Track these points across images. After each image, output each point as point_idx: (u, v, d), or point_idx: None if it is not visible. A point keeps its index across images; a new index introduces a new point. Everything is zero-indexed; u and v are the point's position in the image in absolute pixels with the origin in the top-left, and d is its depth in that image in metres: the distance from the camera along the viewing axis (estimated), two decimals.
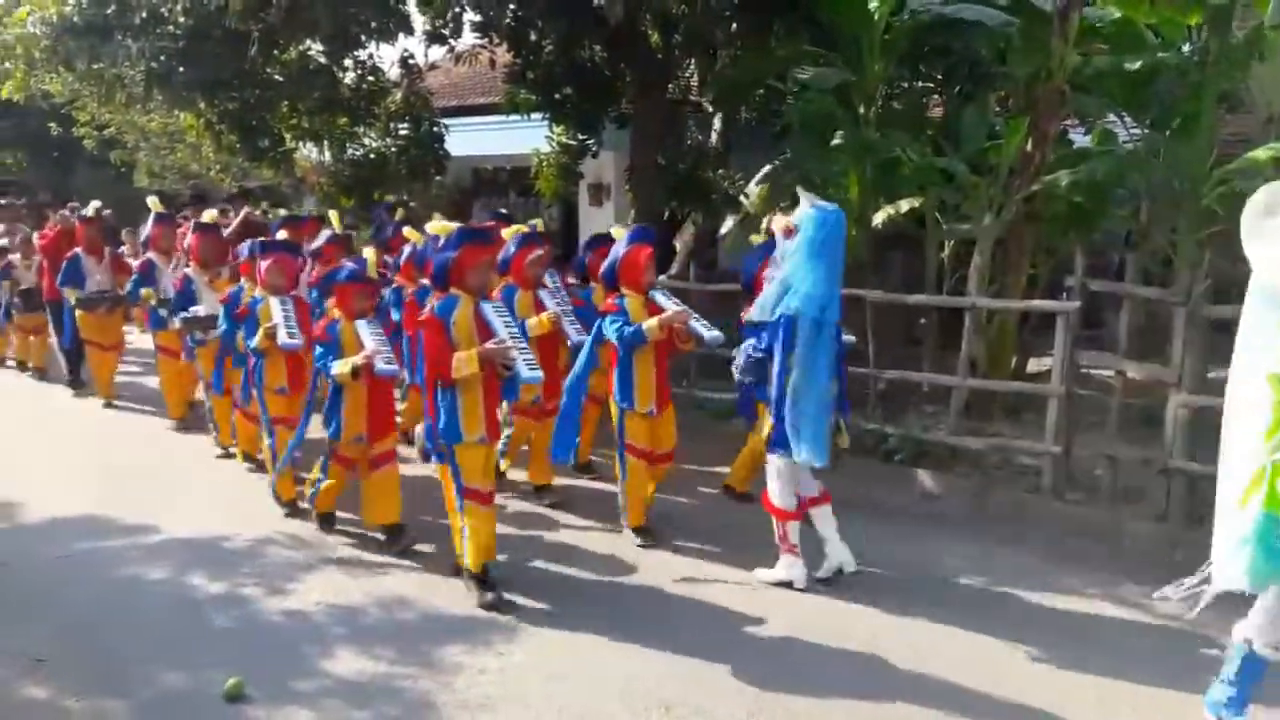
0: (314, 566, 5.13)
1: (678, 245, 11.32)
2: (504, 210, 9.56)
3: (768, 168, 9.39)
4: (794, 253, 4.59)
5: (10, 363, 11.43)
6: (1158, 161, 7.52)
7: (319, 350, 5.31)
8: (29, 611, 4.56)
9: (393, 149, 11.20)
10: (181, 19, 9.28)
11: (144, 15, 9.22)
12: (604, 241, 6.27)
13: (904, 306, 7.36)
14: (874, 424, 6.81)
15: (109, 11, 9.29)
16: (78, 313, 9.05)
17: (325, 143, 11.39)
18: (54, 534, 5.65)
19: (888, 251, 9.24)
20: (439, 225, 5.73)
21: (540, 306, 6.06)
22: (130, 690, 3.82)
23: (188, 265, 7.59)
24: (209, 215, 8.10)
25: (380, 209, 10.42)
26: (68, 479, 6.66)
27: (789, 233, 4.69)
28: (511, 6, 9.36)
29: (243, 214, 11.11)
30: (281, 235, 6.96)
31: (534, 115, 10.77)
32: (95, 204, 9.76)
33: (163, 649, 4.17)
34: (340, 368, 5.09)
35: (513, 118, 11.41)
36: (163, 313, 7.85)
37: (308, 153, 12.49)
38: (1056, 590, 4.81)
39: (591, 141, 10.80)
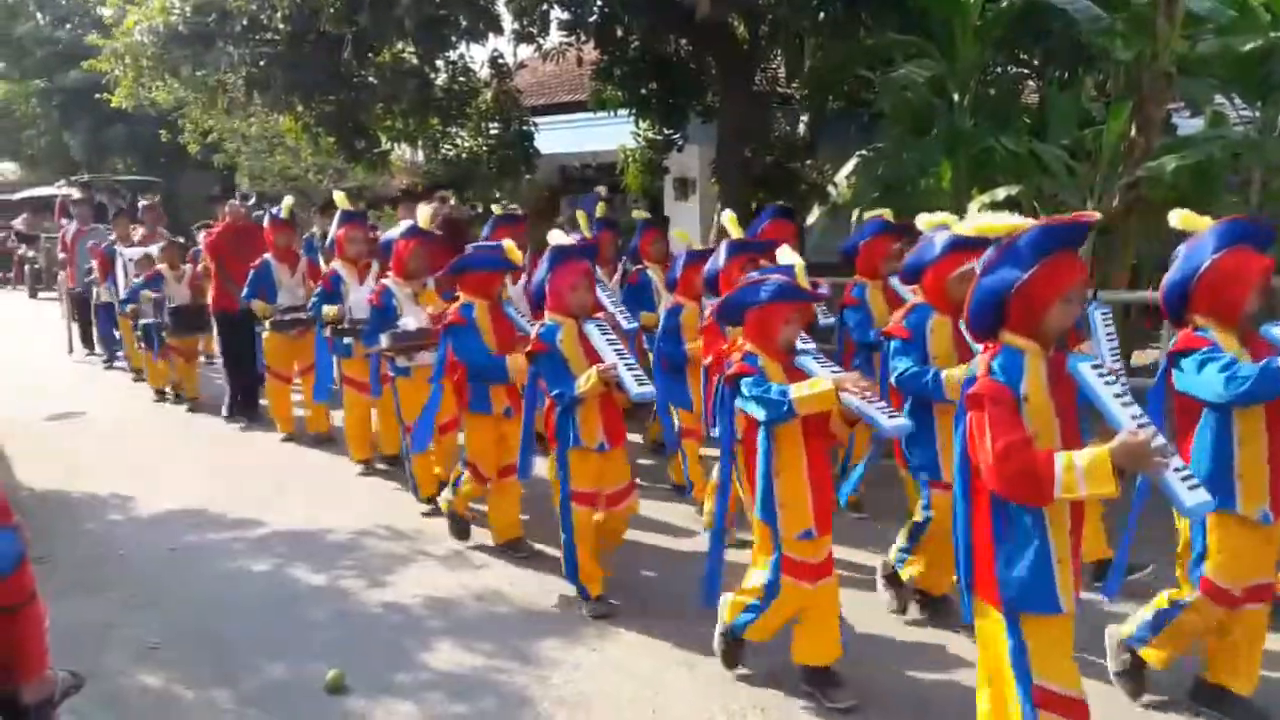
0: (411, 559, 5.24)
1: None
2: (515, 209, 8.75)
3: (856, 158, 9.26)
4: None
5: (170, 393, 9.56)
6: (1276, 142, 7.19)
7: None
8: (142, 600, 4.75)
9: (484, 148, 11.36)
10: (280, 25, 9.55)
11: (244, 22, 9.53)
12: (700, 259, 5.45)
13: None
14: None
15: (211, 19, 9.61)
16: (265, 333, 7.70)
17: (419, 143, 11.62)
18: (165, 527, 5.89)
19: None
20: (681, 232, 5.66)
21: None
22: (237, 680, 3.94)
23: (385, 275, 6.15)
24: (423, 215, 6.16)
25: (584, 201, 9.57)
26: (181, 475, 6.92)
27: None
28: (598, 3, 9.40)
29: (436, 210, 10.19)
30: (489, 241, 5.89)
31: (620, 111, 10.81)
32: (288, 200, 8.02)
33: (267, 640, 4.31)
34: (584, 384, 4.27)
35: (599, 114, 11.49)
36: (346, 339, 6.52)
37: (402, 153, 12.75)
38: None
39: (677, 136, 10.81)
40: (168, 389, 9.50)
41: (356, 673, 3.92)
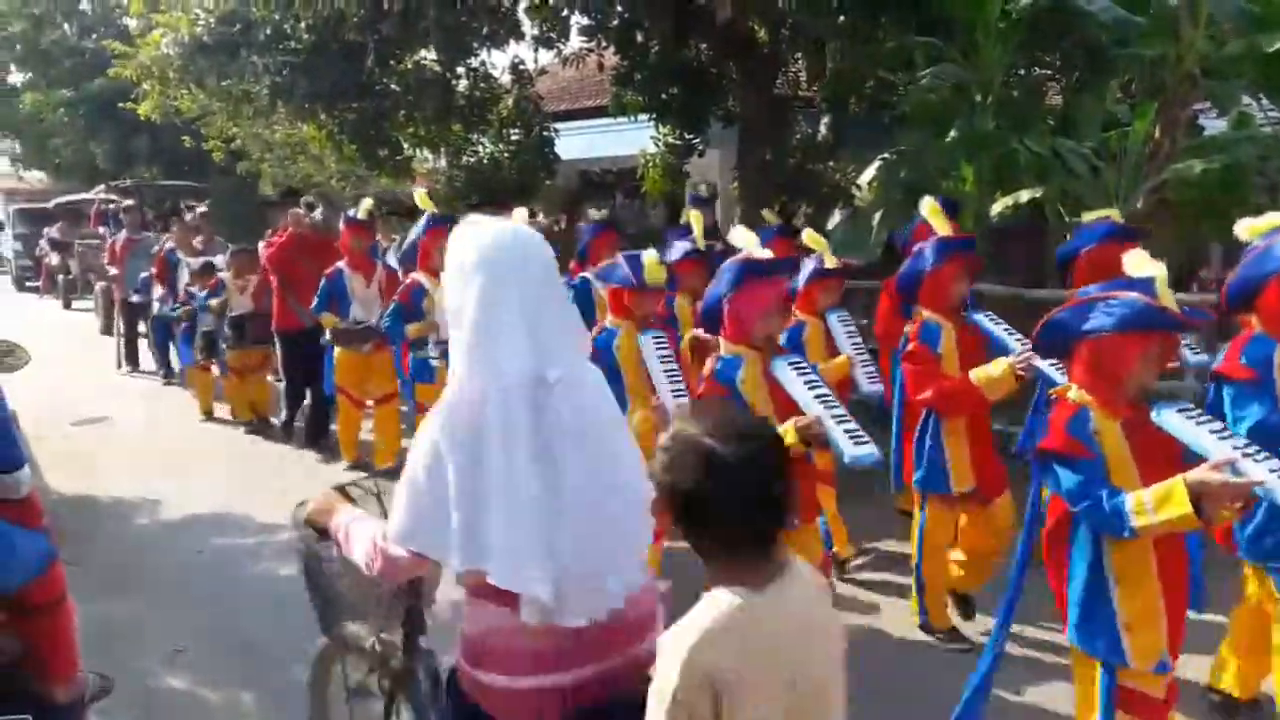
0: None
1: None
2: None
3: (878, 160, 9.24)
4: None
5: (226, 415, 8.74)
6: None
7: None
8: (170, 602, 4.79)
9: (505, 154, 11.42)
10: (304, 34, 9.64)
11: (268, 32, 9.63)
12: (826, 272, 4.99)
13: (1024, 301, 7.13)
14: (999, 425, 6.62)
15: (235, 30, 9.72)
16: (335, 351, 6.89)
17: (441, 150, 11.69)
18: (192, 530, 5.95)
19: (1007, 245, 8.98)
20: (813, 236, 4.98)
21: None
22: (263, 681, 3.97)
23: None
24: (519, 217, 5.43)
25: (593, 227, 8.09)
26: (207, 479, 6.98)
27: None
28: (619, 8, 9.44)
29: (298, 217, 8.91)
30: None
31: (640, 116, 10.83)
32: (367, 203, 7.18)
33: (293, 642, 4.32)
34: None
35: (620, 120, 11.51)
36: (434, 359, 5.93)
37: (424, 159, 12.83)
38: None
39: (698, 140, 10.81)
40: (230, 414, 8.60)
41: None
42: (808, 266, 5.01)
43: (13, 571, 2.54)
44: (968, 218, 7.77)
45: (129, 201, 12.37)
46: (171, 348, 10.18)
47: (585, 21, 9.88)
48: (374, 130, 10.93)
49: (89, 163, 26.81)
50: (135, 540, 5.77)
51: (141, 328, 11.38)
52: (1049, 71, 9.32)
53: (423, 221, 6.14)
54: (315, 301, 6.84)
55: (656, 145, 11.64)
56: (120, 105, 15.38)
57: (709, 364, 3.58)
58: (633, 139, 12.17)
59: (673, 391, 4.00)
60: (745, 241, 3.98)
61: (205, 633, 4.45)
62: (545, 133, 11.66)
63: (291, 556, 5.31)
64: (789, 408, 3.39)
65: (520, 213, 6.19)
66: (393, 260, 8.00)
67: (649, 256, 4.24)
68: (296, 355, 7.64)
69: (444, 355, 5.10)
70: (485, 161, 11.74)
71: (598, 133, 13.81)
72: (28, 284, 22.20)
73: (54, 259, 19.56)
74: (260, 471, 7.16)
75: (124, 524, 6.06)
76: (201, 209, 11.23)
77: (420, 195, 6.26)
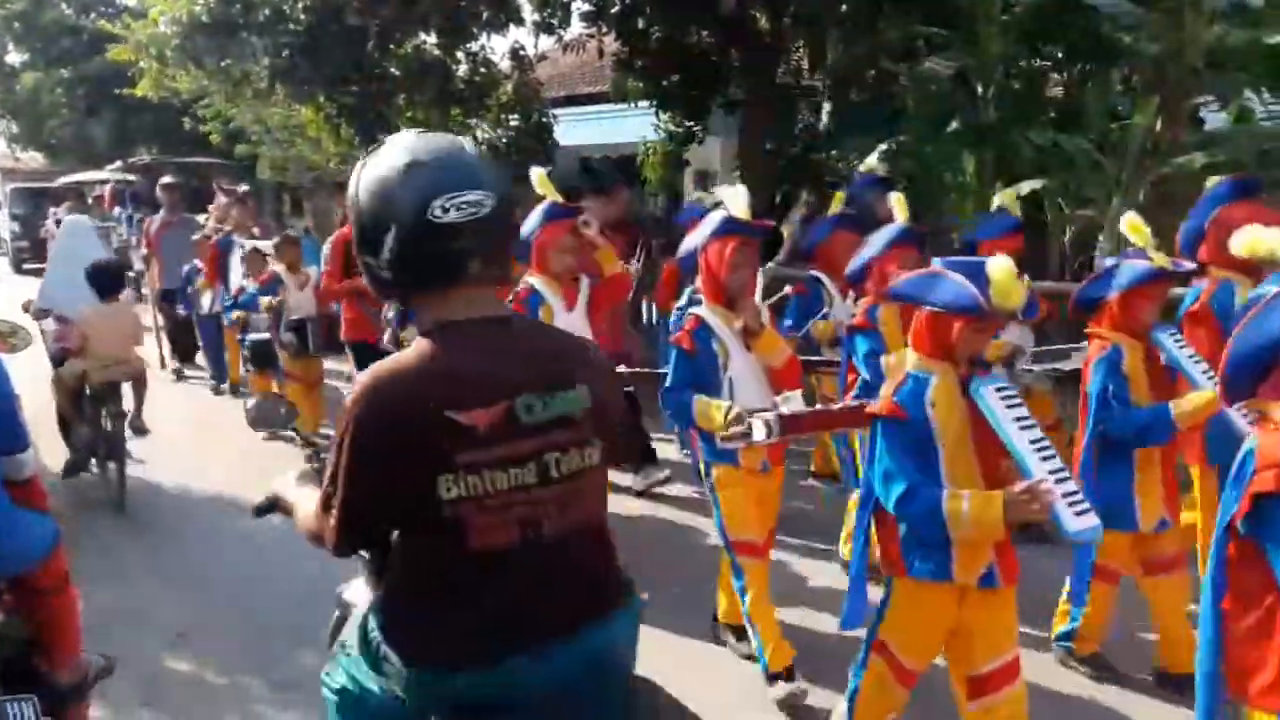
0: None
1: (784, 231, 11.25)
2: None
3: (879, 151, 9.24)
4: None
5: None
6: None
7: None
8: (175, 586, 4.80)
9: (503, 140, 11.40)
10: (302, 16, 9.60)
11: (267, 12, 9.59)
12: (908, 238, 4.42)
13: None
14: None
15: (235, 9, 9.67)
16: None
17: None
18: (198, 513, 5.97)
19: None
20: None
21: None
22: (267, 666, 3.99)
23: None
24: (742, 205, 3.97)
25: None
26: (213, 462, 6.98)
27: None
28: None
29: (227, 206, 8.41)
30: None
31: (641, 103, 10.81)
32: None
33: (299, 627, 4.33)
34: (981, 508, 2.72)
35: (619, 106, 11.50)
36: None
37: None
38: None
39: (698, 128, 10.80)
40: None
41: None
42: (886, 236, 4.49)
43: (17, 554, 2.55)
44: (967, 209, 7.78)
45: (167, 178, 10.41)
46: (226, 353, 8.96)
47: (586, 7, 9.87)
48: (373, 114, 10.90)
49: (87, 143, 26.72)
50: (139, 522, 5.78)
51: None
52: (1051, 64, 9.31)
53: (539, 211, 4.63)
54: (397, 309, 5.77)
55: (657, 132, 11.62)
56: (117, 92, 15.27)
57: (889, 384, 2.93)
58: (633, 126, 12.15)
59: (1053, 474, 2.74)
60: (899, 208, 4.52)
61: (208, 617, 4.45)
62: (544, 119, 11.64)
63: (295, 540, 5.34)
64: (989, 442, 2.82)
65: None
66: None
67: (999, 268, 2.77)
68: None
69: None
70: (483, 147, 11.69)
71: (598, 119, 13.79)
72: (25, 266, 22.00)
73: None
74: (268, 456, 7.15)
75: (128, 506, 6.05)
76: (244, 187, 10.16)
77: (540, 177, 4.70)
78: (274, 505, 2.29)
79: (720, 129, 11.18)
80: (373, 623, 1.91)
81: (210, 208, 9.90)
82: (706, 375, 3.66)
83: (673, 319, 5.65)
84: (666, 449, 6.72)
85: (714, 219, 3.76)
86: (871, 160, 7.14)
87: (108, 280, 6.03)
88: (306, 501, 2.06)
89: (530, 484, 1.76)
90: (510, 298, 4.45)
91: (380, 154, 1.86)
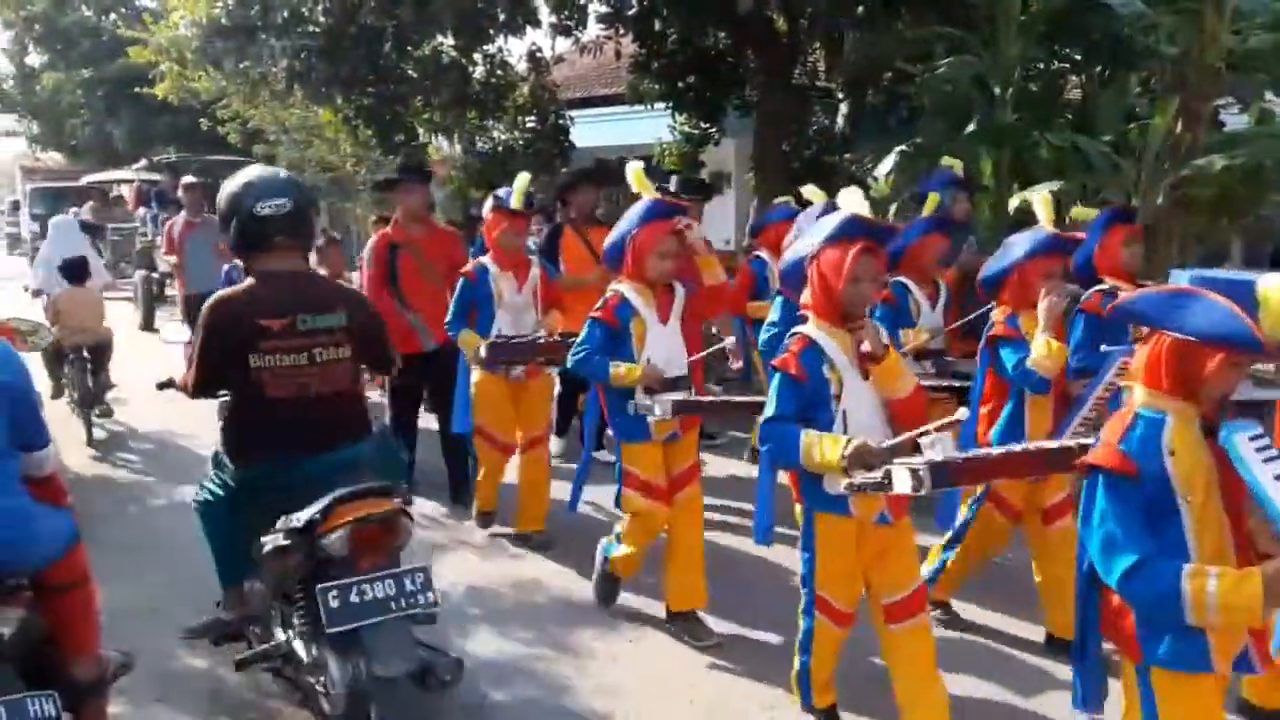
0: (450, 548, 5.29)
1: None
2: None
3: (896, 152, 9.21)
4: None
5: None
6: None
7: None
8: (187, 583, 4.82)
9: (520, 141, 11.43)
10: (321, 18, 9.65)
11: (285, 15, 9.65)
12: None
13: None
14: None
15: (254, 12, 9.73)
16: (475, 376, 5.17)
17: (455, 136, 11.71)
18: None
19: None
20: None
21: None
22: None
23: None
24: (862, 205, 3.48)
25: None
26: None
27: None
28: None
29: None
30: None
31: (657, 105, 10.83)
32: (523, 179, 5.23)
33: None
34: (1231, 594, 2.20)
35: (635, 108, 11.51)
36: (654, 413, 3.93)
37: (439, 146, 12.85)
38: None
39: (714, 130, 10.81)
40: None
41: None
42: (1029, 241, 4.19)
43: (37, 551, 2.58)
44: (985, 211, 7.76)
45: (189, 178, 10.17)
46: None
47: (603, 9, 9.88)
48: (390, 116, 10.94)
49: (106, 143, 26.93)
50: (150, 520, 5.82)
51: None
52: (1069, 65, 9.27)
53: (637, 210, 4.07)
54: (450, 313, 5.19)
55: (673, 134, 11.63)
56: (139, 85, 15.35)
57: (1111, 426, 2.41)
58: (648, 128, 12.16)
59: None
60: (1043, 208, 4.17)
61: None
62: (560, 121, 11.66)
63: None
64: (1238, 501, 2.32)
65: (523, 179, 5.21)
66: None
67: (1273, 287, 2.18)
68: (414, 387, 5.90)
69: (662, 408, 3.90)
70: (499, 149, 11.74)
71: (613, 121, 13.80)
72: None
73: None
74: None
75: (139, 504, 6.11)
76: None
77: (636, 173, 4.16)
78: (171, 382, 3.58)
79: (735, 130, 11.17)
80: (219, 443, 3.40)
81: None
82: (816, 407, 3.08)
83: (762, 335, 5.44)
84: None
85: (832, 220, 3.19)
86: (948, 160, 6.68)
87: (75, 271, 7.55)
88: (184, 373, 3.42)
89: (303, 364, 3.11)
90: (600, 305, 4.06)
91: (237, 176, 3.26)
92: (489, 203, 5.30)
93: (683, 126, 11.43)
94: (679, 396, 3.95)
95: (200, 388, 3.25)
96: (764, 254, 6.41)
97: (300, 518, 2.88)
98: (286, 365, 3.06)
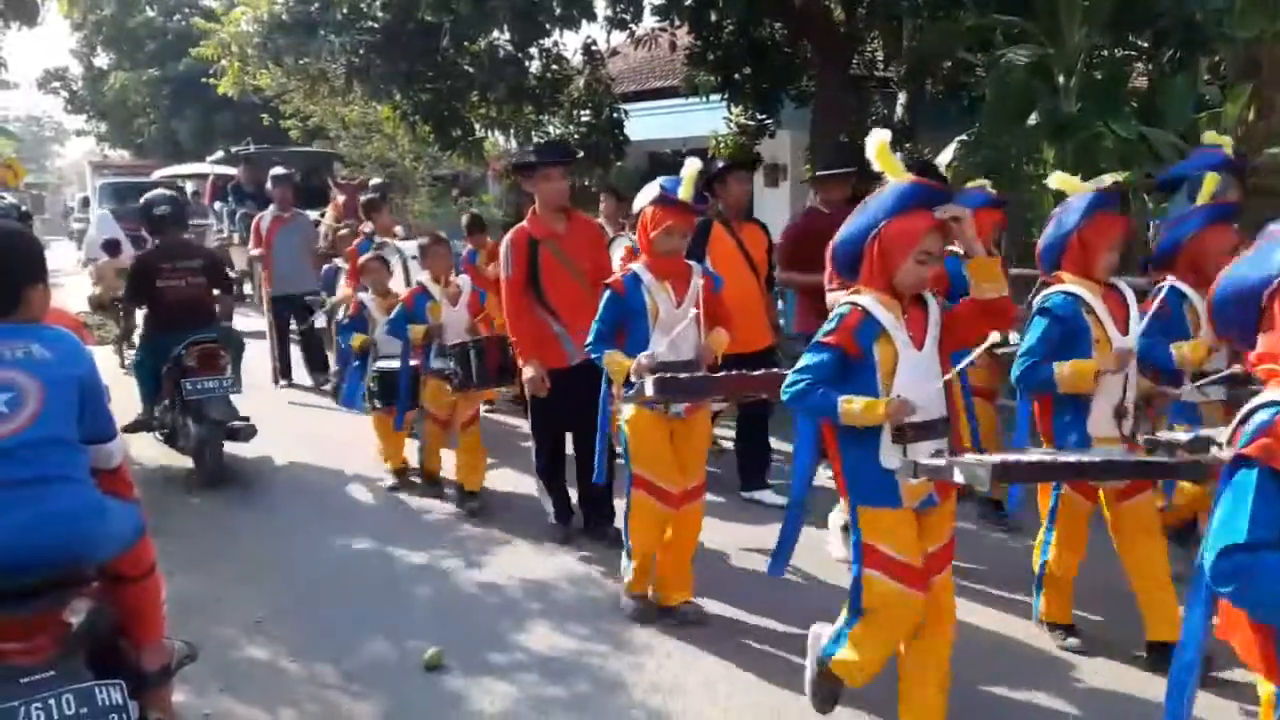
0: (505, 542, 5.32)
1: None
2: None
3: (956, 143, 9.06)
4: None
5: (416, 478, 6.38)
6: None
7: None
8: (249, 575, 4.92)
9: (575, 135, 11.43)
10: (380, 14, 9.74)
11: (345, 11, 9.75)
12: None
13: None
14: None
15: (313, 8, 9.85)
16: (628, 413, 4.12)
17: (512, 131, 11.75)
18: (271, 504, 6.14)
19: None
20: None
21: None
22: (340, 655, 4.05)
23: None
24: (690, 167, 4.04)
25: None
26: (286, 455, 7.14)
27: None
28: None
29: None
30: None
31: (712, 97, 10.77)
32: (693, 165, 4.16)
33: (368, 617, 4.42)
34: None
35: (690, 100, 11.46)
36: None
37: (495, 140, 12.92)
38: None
39: (769, 121, 10.72)
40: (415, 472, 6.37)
41: (454, 652, 3.99)
42: (1200, 213, 4.14)
43: (107, 542, 2.62)
44: (1048, 202, 7.59)
45: (280, 170, 9.37)
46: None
47: (658, 1, 9.83)
48: (447, 111, 11.02)
49: (171, 141, 27.54)
50: (215, 512, 5.94)
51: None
52: (1134, 52, 9.04)
53: (886, 196, 3.11)
54: (593, 331, 4.16)
55: (728, 126, 11.56)
56: (203, 80, 15.60)
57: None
58: (703, 120, 12.11)
59: None
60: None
61: (284, 605, 4.55)
62: (615, 114, 11.64)
63: (365, 532, 5.47)
64: None
65: (693, 166, 4.14)
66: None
67: None
68: (557, 408, 5.01)
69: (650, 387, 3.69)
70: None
71: (668, 113, 13.76)
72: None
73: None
74: (342, 448, 7.28)
75: (203, 496, 6.22)
76: (375, 180, 9.10)
77: (880, 146, 3.07)
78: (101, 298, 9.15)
79: (791, 122, 11.07)
80: (141, 329, 7.19)
81: (335, 202, 9.38)
82: (859, 380, 3.00)
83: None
84: None
85: (896, 190, 3.03)
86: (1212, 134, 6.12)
87: (112, 247, 10.91)
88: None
89: (179, 285, 6.42)
90: (833, 324, 3.04)
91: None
92: (645, 194, 4.19)
93: (738, 118, 11.36)
94: (668, 376, 3.74)
95: (129, 302, 7.68)
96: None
97: (176, 351, 6.16)
98: (171, 286, 6.37)
